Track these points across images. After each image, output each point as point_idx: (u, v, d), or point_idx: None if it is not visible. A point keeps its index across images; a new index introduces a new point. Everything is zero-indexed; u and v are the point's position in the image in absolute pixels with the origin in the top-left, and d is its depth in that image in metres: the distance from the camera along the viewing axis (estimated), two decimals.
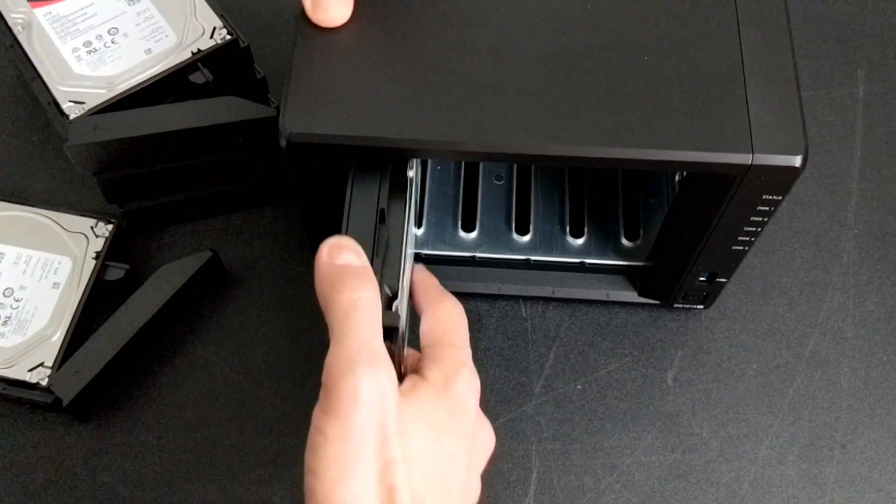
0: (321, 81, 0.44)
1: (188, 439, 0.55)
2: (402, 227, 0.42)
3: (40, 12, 0.61)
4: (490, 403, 0.57)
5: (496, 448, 0.55)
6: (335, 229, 0.50)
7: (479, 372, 0.57)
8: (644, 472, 0.55)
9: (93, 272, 0.56)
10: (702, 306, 0.59)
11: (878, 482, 0.54)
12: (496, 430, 0.55)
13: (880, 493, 0.54)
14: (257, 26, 0.70)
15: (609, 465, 0.55)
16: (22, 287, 0.56)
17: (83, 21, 0.60)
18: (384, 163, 0.43)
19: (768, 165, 0.42)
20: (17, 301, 0.55)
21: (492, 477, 0.54)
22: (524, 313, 0.60)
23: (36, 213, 0.59)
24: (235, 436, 0.55)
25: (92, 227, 0.58)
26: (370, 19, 0.45)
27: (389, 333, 0.37)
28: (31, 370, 0.53)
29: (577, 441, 0.56)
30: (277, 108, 0.57)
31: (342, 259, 0.37)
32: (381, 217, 0.41)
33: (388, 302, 0.38)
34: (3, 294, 0.56)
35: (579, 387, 0.57)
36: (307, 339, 0.59)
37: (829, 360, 0.58)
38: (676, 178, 0.59)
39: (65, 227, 0.58)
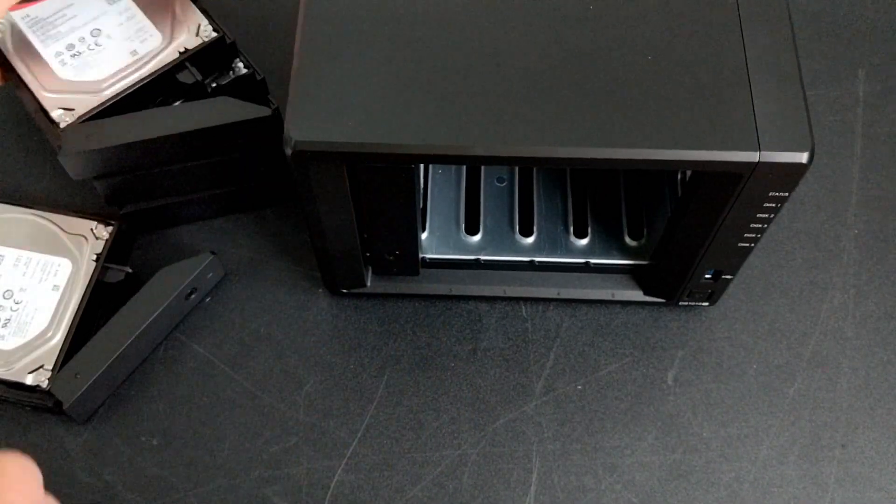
0: (324, 89, 0.43)
1: (188, 440, 0.55)
2: None
3: (18, 15, 0.58)
4: (490, 404, 0.57)
5: (496, 448, 0.55)
6: (339, 233, 0.50)
7: (480, 372, 0.57)
8: (644, 473, 0.55)
9: (93, 274, 0.56)
10: (707, 304, 0.59)
11: (879, 482, 0.54)
12: (497, 430, 0.56)
13: (881, 493, 0.54)
14: (257, 27, 0.69)
15: (609, 465, 0.55)
16: (22, 289, 0.56)
17: (63, 23, 0.58)
18: None
19: (775, 163, 0.42)
20: (16, 303, 0.55)
21: (492, 477, 0.54)
22: (524, 313, 0.60)
23: (35, 214, 0.59)
24: (235, 436, 0.55)
25: (92, 229, 0.58)
26: (372, 26, 0.45)
27: None
28: (31, 373, 0.53)
29: (578, 441, 0.55)
30: (277, 109, 0.56)
31: None
32: None
33: None
34: (3, 296, 0.56)
35: (579, 387, 0.57)
36: (306, 340, 0.59)
37: (830, 360, 0.58)
38: (678, 176, 0.59)
39: (65, 229, 0.58)
